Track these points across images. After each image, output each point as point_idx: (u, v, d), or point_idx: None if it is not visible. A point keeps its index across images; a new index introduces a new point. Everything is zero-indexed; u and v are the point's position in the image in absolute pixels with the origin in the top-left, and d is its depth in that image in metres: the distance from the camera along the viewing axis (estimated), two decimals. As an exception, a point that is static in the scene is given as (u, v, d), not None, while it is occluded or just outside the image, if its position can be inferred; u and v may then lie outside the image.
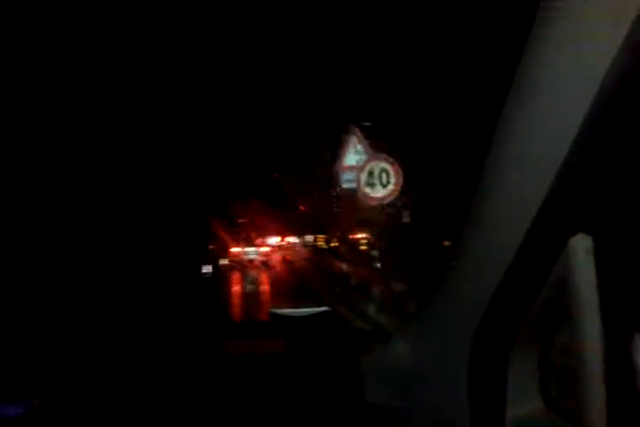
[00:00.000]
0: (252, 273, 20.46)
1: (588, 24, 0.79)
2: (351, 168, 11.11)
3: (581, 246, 0.89)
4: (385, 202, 9.23)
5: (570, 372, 0.93)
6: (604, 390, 0.85)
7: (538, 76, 0.92)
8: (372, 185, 9.03)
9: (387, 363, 1.57)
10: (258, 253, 24.92)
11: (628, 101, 0.77)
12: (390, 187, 8.96)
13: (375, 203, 9.31)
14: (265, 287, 15.81)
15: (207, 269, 19.75)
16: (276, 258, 24.50)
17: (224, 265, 22.22)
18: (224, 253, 24.21)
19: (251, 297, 13.46)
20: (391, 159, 8.93)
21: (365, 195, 9.20)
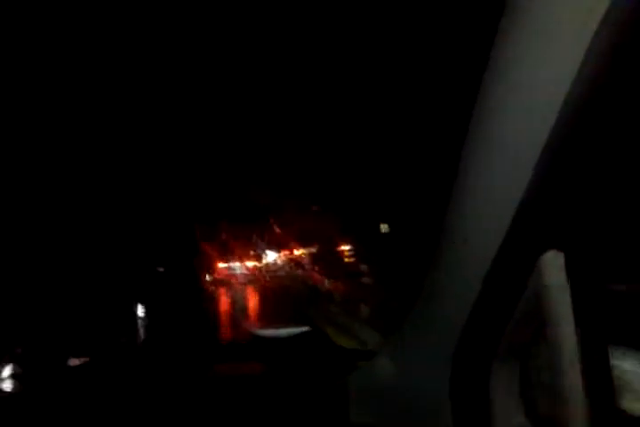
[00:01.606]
0: (238, 289, 20.40)
1: (556, 24, 0.78)
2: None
3: (553, 263, 0.89)
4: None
5: (550, 386, 0.93)
6: (585, 403, 0.86)
7: (505, 85, 0.92)
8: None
9: (371, 382, 1.57)
10: (243, 268, 24.80)
11: (598, 110, 0.76)
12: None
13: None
14: (250, 303, 15.68)
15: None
16: (261, 274, 24.37)
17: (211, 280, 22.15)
18: (210, 268, 24.07)
19: (235, 314, 13.32)
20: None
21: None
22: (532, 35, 0.84)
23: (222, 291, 20.14)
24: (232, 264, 25.48)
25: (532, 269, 0.92)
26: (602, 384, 0.88)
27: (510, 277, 0.99)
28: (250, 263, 26.41)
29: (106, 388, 1.83)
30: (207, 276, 22.59)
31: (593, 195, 0.88)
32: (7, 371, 3.87)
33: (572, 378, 0.87)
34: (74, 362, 3.01)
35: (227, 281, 22.55)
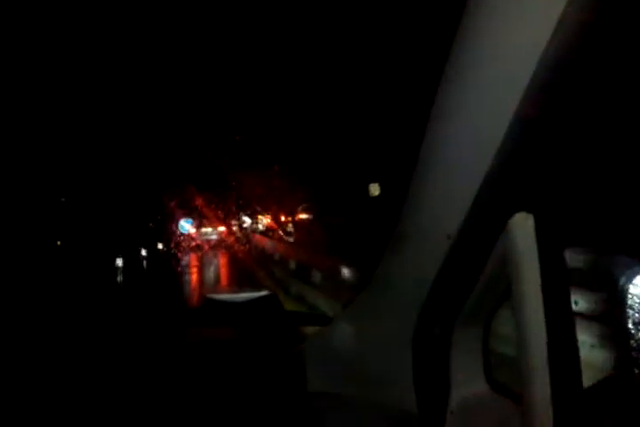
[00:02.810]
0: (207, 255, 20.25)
1: (519, 8, 0.77)
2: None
3: (522, 225, 0.88)
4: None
5: (513, 352, 0.92)
6: (548, 369, 0.85)
7: (471, 54, 0.89)
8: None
9: (328, 348, 1.55)
10: (215, 234, 24.65)
11: (564, 79, 0.76)
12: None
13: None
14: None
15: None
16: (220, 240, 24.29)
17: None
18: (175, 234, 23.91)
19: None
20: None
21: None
22: (491, 31, 0.83)
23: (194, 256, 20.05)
24: (205, 229, 25.32)
25: (500, 231, 0.91)
26: (566, 350, 0.87)
27: (478, 241, 0.97)
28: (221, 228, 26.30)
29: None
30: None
31: (561, 158, 0.87)
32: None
33: (536, 343, 0.86)
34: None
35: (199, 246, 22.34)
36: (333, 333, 1.56)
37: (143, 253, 20.86)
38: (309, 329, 1.80)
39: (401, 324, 1.18)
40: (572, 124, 0.83)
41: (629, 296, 0.98)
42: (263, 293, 2.18)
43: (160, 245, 22.84)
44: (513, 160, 0.85)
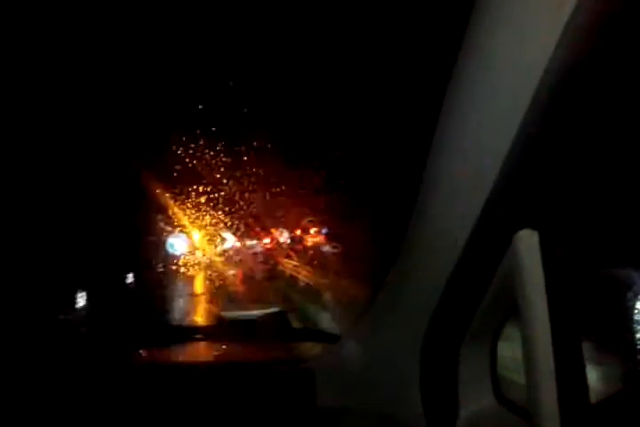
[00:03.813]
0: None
1: (529, 11, 0.77)
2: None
3: (527, 241, 0.89)
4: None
5: (520, 367, 0.93)
6: (555, 384, 0.85)
7: (477, 69, 0.90)
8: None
9: (337, 365, 1.56)
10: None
11: (570, 93, 0.76)
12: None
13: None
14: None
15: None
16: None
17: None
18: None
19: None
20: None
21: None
22: (500, 38, 0.83)
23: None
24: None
25: (506, 248, 0.91)
26: (573, 366, 0.87)
27: (483, 258, 0.97)
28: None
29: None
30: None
31: (566, 174, 0.87)
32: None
33: (543, 358, 0.87)
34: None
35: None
36: (342, 349, 1.56)
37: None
38: (318, 346, 1.81)
39: (408, 340, 1.18)
40: (577, 140, 0.83)
41: (636, 311, 0.99)
42: (273, 309, 2.19)
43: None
44: (518, 176, 0.86)
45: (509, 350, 1.07)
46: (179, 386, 1.69)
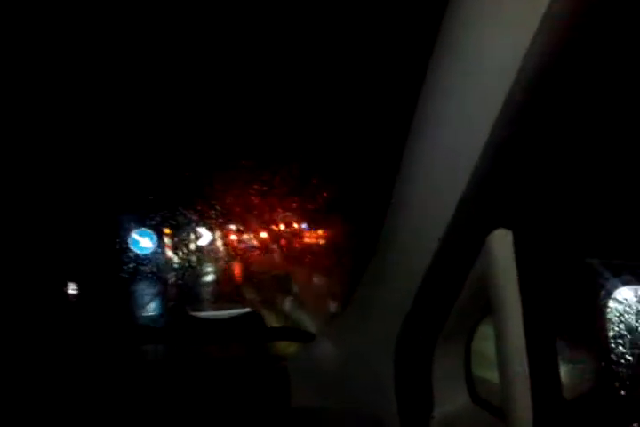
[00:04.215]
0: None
1: (504, 7, 0.76)
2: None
3: (501, 241, 0.89)
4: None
5: (494, 367, 0.93)
6: (528, 383, 0.85)
7: (451, 67, 0.89)
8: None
9: (312, 363, 1.55)
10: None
11: (543, 93, 0.76)
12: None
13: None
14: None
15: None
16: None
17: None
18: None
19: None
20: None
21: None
22: (474, 35, 0.83)
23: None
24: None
25: (480, 247, 0.91)
26: (547, 366, 0.88)
27: (457, 258, 0.97)
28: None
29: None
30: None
31: (540, 173, 0.87)
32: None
33: (516, 358, 0.87)
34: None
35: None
36: (317, 348, 1.55)
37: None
38: (292, 345, 1.80)
39: (383, 339, 1.18)
40: (550, 140, 0.83)
41: (609, 310, 0.99)
42: (245, 310, 2.17)
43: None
44: (491, 176, 0.86)
45: (484, 349, 1.07)
46: (150, 387, 1.67)
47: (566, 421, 0.89)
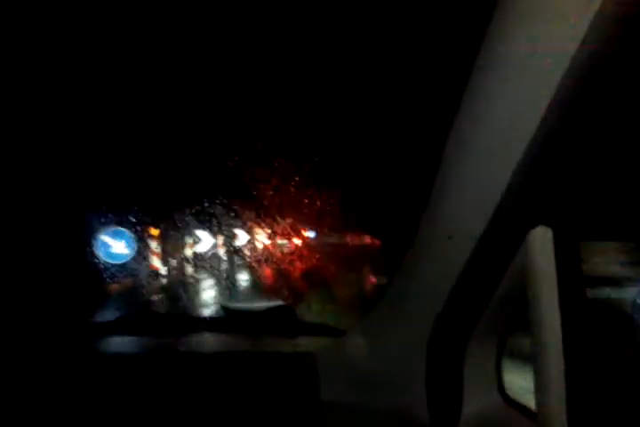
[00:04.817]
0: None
1: (545, 31, 0.78)
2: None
3: (541, 238, 0.88)
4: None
5: (528, 367, 0.92)
6: (564, 385, 0.84)
7: (494, 69, 0.89)
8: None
9: (342, 359, 1.55)
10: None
11: (586, 95, 0.76)
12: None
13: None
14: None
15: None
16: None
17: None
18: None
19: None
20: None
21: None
22: (520, 40, 0.83)
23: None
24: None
25: (519, 245, 0.91)
26: (583, 366, 0.86)
27: (496, 255, 0.97)
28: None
29: None
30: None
31: (580, 173, 0.87)
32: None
33: (553, 361, 0.86)
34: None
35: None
36: (348, 344, 1.56)
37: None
38: (323, 340, 1.80)
39: (415, 337, 1.18)
40: (590, 140, 0.83)
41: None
42: (278, 303, 2.18)
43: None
44: (534, 174, 0.86)
45: (517, 350, 1.06)
46: (180, 376, 1.69)
47: (602, 424, 0.87)
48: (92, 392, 1.64)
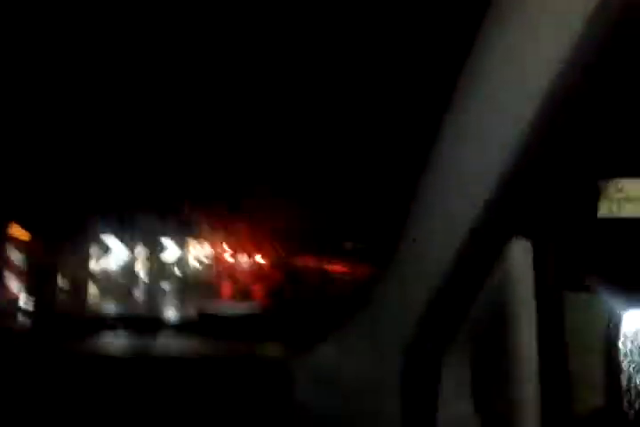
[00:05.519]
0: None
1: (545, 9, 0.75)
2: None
3: (520, 250, 0.89)
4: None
5: (502, 375, 0.92)
6: (539, 399, 0.85)
7: (479, 78, 0.90)
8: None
9: (317, 364, 1.55)
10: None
11: (571, 103, 0.76)
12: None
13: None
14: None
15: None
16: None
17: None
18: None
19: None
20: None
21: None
22: (512, 38, 0.82)
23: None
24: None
25: (497, 257, 0.91)
26: (558, 377, 0.87)
27: (474, 266, 0.97)
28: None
29: None
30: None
31: (559, 184, 0.88)
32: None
33: (527, 371, 0.87)
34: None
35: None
36: (323, 349, 1.55)
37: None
38: (298, 345, 1.80)
39: (392, 342, 1.18)
40: (575, 149, 0.84)
41: (621, 328, 0.98)
42: (254, 308, 2.18)
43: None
44: (513, 185, 0.86)
45: (492, 359, 1.07)
46: (151, 383, 1.67)
47: None
48: (58, 399, 1.61)
